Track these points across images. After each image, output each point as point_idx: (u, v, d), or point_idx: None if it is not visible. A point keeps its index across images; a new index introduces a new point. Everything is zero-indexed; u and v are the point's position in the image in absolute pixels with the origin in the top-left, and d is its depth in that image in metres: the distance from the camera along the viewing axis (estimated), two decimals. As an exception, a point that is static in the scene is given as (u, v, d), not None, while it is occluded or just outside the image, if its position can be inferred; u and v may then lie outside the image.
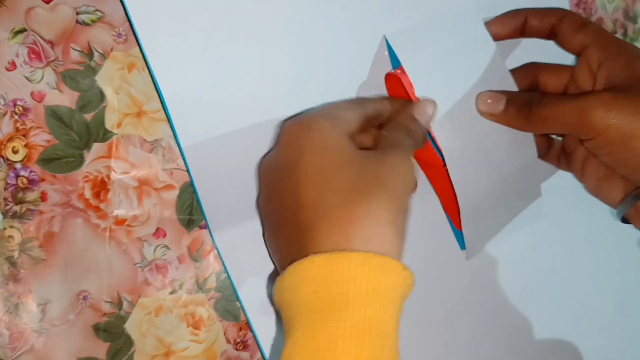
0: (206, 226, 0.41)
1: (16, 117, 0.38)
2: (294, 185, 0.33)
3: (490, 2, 0.41)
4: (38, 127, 0.39)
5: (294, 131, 0.35)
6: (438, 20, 0.40)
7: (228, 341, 0.43)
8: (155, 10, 0.37)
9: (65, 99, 0.39)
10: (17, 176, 0.39)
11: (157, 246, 0.41)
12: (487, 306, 0.46)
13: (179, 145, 0.39)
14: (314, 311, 0.29)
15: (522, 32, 0.40)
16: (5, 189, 0.39)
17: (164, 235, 0.41)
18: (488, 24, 0.40)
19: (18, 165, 0.39)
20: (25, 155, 0.39)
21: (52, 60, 0.38)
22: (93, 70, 0.39)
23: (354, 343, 0.28)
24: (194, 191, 0.40)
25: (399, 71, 0.39)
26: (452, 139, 0.38)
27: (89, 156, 0.40)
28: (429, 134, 0.39)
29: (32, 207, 0.39)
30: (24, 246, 0.39)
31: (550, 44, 0.40)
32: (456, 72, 0.39)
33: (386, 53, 0.41)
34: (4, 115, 0.38)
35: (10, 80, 0.38)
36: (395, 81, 0.39)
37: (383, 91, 0.42)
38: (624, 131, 0.34)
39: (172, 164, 0.41)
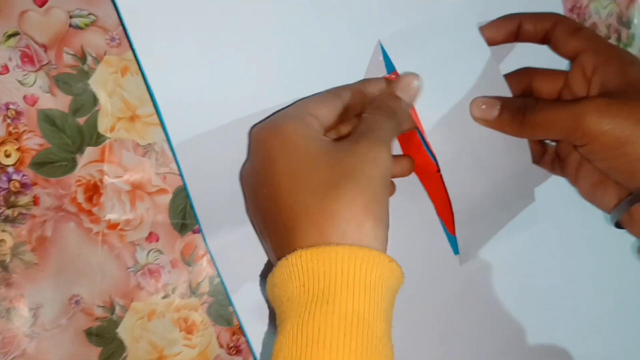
0: (199, 230, 0.41)
1: (9, 120, 0.38)
2: (269, 190, 0.34)
3: (485, 7, 0.41)
4: (31, 131, 0.38)
5: (262, 137, 0.35)
6: (433, 25, 0.41)
7: (221, 346, 0.43)
8: (149, 14, 0.37)
9: (58, 102, 0.39)
10: (10, 180, 0.39)
11: (150, 250, 0.41)
12: (481, 311, 0.46)
13: (172, 149, 0.39)
14: (302, 304, 0.29)
15: (517, 36, 0.40)
16: (-3, 192, 0.39)
17: (157, 240, 0.41)
18: (483, 28, 0.40)
19: (10, 169, 0.38)
20: (18, 159, 0.39)
21: (45, 64, 0.38)
22: (86, 74, 0.39)
23: (342, 334, 0.28)
24: (187, 195, 0.40)
25: (393, 76, 0.39)
26: (446, 145, 0.38)
27: (81, 160, 0.39)
28: (423, 139, 0.39)
29: (24, 211, 0.39)
30: (16, 250, 0.39)
31: (545, 48, 0.40)
32: (450, 77, 0.39)
33: (381, 58, 0.41)
34: (-4, 118, 0.38)
35: (3, 84, 0.38)
36: (390, 86, 0.39)
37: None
38: (618, 137, 0.34)
39: (165, 168, 0.41)
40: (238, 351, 0.43)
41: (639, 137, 0.34)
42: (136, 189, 0.40)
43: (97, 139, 0.39)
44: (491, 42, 0.40)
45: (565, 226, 0.48)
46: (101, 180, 0.40)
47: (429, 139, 0.38)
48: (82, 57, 0.39)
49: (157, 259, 0.41)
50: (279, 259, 0.32)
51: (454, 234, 0.41)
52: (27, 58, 0.38)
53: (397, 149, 0.44)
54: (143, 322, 0.41)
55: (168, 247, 0.41)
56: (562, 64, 0.41)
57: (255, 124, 0.38)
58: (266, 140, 0.35)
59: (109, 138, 0.40)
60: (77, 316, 0.40)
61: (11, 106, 0.38)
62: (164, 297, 0.41)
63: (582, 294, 0.48)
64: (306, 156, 0.33)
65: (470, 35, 0.40)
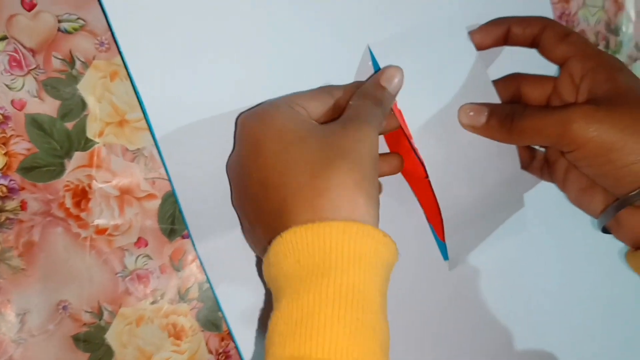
0: (188, 236, 0.41)
1: (-4, 125, 0.38)
2: (258, 173, 0.34)
3: (475, 13, 0.42)
4: (18, 136, 0.38)
5: (249, 123, 0.35)
6: (421, 30, 0.41)
7: (210, 351, 0.43)
8: (137, 19, 0.37)
9: (46, 107, 0.38)
10: (-3, 185, 0.38)
11: (138, 256, 0.41)
12: (471, 316, 0.46)
13: (160, 154, 0.39)
14: (297, 280, 0.29)
15: (506, 40, 0.41)
16: (-16, 197, 0.38)
17: (146, 245, 0.41)
18: (472, 33, 0.41)
19: (-3, 174, 0.38)
20: (5, 164, 0.38)
21: (33, 69, 0.38)
22: (75, 79, 0.39)
23: (337, 307, 0.28)
24: (176, 201, 0.40)
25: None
26: (434, 150, 0.38)
27: (69, 165, 0.39)
28: (412, 145, 0.39)
29: (11, 216, 0.39)
30: (3, 255, 0.39)
31: (536, 53, 0.41)
32: (439, 83, 0.39)
33: (370, 63, 0.41)
34: (-16, 123, 0.38)
35: (-9, 88, 0.38)
36: (379, 92, 0.39)
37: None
38: (604, 144, 0.34)
39: (154, 173, 0.41)
40: (227, 357, 0.43)
41: (625, 144, 0.34)
42: (125, 194, 0.40)
43: (85, 143, 0.39)
44: (480, 46, 0.40)
45: (554, 231, 0.48)
46: (89, 185, 0.40)
47: (417, 144, 0.38)
48: (71, 62, 0.39)
49: (146, 264, 0.41)
50: (269, 242, 0.32)
51: (444, 239, 0.41)
52: (15, 62, 0.38)
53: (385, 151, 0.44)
54: (131, 328, 0.41)
55: (157, 253, 0.41)
56: (551, 68, 0.41)
57: (242, 113, 0.37)
58: (253, 125, 0.35)
59: (98, 143, 0.40)
60: (65, 322, 0.40)
61: (-1, 110, 0.38)
62: (153, 303, 0.41)
63: (571, 298, 0.49)
64: (294, 137, 0.33)
65: (459, 41, 0.40)
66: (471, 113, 0.38)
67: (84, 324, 0.40)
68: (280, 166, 0.33)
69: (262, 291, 0.42)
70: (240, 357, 0.42)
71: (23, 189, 0.39)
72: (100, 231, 0.40)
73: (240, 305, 0.42)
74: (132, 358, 0.41)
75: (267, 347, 0.29)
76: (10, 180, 0.38)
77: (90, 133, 0.39)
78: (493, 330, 0.47)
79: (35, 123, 0.38)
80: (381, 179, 0.42)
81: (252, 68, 0.39)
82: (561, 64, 0.39)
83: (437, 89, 0.39)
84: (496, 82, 0.41)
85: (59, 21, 0.38)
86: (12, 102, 0.38)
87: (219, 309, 0.42)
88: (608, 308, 0.49)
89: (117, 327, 0.41)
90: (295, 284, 0.29)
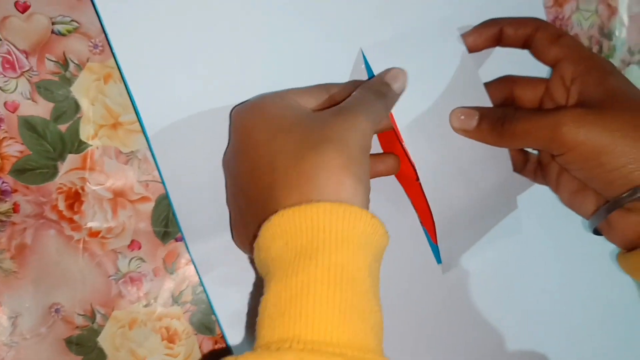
0: (182, 239, 0.41)
1: (-11, 127, 0.38)
2: (248, 162, 0.34)
3: (467, 16, 0.42)
4: (11, 138, 0.38)
5: (240, 114, 0.35)
6: (414, 33, 0.41)
7: (203, 355, 0.42)
8: (131, 21, 0.37)
9: (40, 109, 0.38)
10: (-10, 187, 0.38)
11: (131, 258, 0.41)
12: (465, 318, 0.46)
13: (154, 157, 0.39)
14: (286, 262, 0.29)
15: (498, 41, 0.41)
16: (-23, 200, 0.38)
17: (139, 248, 0.41)
18: (465, 35, 0.41)
19: (-10, 176, 0.38)
20: (-2, 166, 0.38)
21: (27, 71, 0.38)
22: (68, 81, 0.39)
23: (325, 287, 0.28)
24: (170, 203, 0.40)
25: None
26: (426, 153, 0.38)
27: (63, 167, 0.39)
28: (404, 148, 0.39)
29: (3, 219, 0.38)
30: (-5, 258, 0.38)
31: (527, 54, 0.41)
32: (431, 86, 0.39)
33: (363, 66, 0.41)
34: (-23, 125, 0.38)
35: (-16, 90, 0.38)
36: (372, 95, 0.39)
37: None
38: (594, 147, 0.34)
39: (147, 175, 0.41)
40: (220, 360, 0.43)
41: (615, 147, 0.34)
42: (118, 197, 0.40)
43: (78, 146, 0.39)
44: (473, 48, 0.41)
45: (548, 233, 0.48)
46: (83, 188, 0.40)
47: (408, 147, 0.38)
48: (64, 64, 0.39)
49: (139, 267, 0.41)
50: (257, 229, 0.32)
51: (437, 242, 0.41)
52: (8, 64, 0.38)
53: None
54: (124, 331, 0.41)
55: (150, 255, 0.41)
56: (544, 69, 0.41)
57: (235, 106, 0.38)
58: (243, 116, 0.35)
59: (91, 145, 0.39)
60: (57, 325, 0.40)
61: (-9, 113, 0.38)
62: (146, 306, 0.41)
63: (564, 300, 0.49)
64: (283, 123, 0.33)
65: (451, 44, 0.40)
66: (462, 117, 0.38)
67: (77, 327, 0.40)
68: (269, 153, 0.33)
69: (256, 294, 0.42)
70: (233, 361, 0.42)
71: (16, 191, 0.39)
72: (94, 234, 0.40)
73: (234, 309, 0.41)
74: (124, 361, 0.41)
75: (257, 331, 0.29)
76: (3, 182, 0.38)
77: (83, 135, 0.39)
78: (488, 333, 0.47)
79: (29, 125, 0.38)
80: (375, 181, 0.42)
81: (245, 71, 0.39)
82: (553, 66, 0.40)
83: (429, 92, 0.39)
84: (488, 85, 0.41)
85: (53, 23, 0.38)
86: (5, 104, 0.38)
87: (213, 312, 0.41)
88: (601, 309, 0.49)
89: (110, 330, 0.40)
90: (284, 266, 0.29)
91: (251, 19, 0.39)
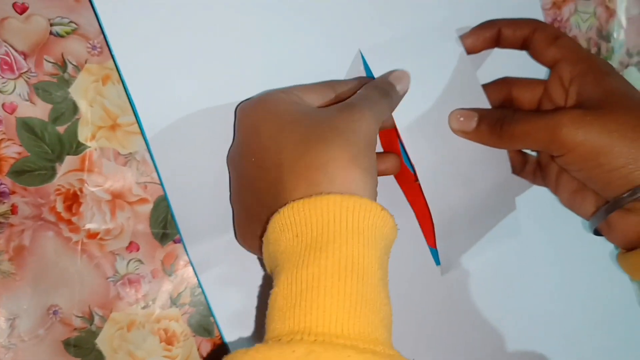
0: (180, 240, 0.41)
1: (-13, 128, 0.38)
2: (255, 156, 0.34)
3: (465, 19, 0.42)
4: (9, 139, 0.38)
5: (246, 111, 0.35)
6: (413, 35, 0.41)
7: (202, 357, 0.42)
8: (130, 23, 0.37)
9: (38, 111, 0.38)
10: (-12, 188, 0.38)
11: (130, 260, 0.41)
12: (464, 319, 0.46)
13: (152, 158, 0.39)
14: (296, 254, 0.29)
15: (497, 42, 0.41)
16: (-25, 201, 0.38)
17: (137, 249, 0.41)
18: (463, 36, 0.41)
19: (-12, 178, 0.38)
20: (-4, 168, 0.38)
21: (25, 72, 0.38)
22: (67, 83, 0.39)
23: (336, 279, 0.28)
24: (168, 205, 0.40)
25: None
26: (425, 155, 0.38)
27: (61, 169, 0.39)
28: (403, 149, 0.39)
29: (1, 220, 0.38)
30: (-7, 260, 0.38)
31: (525, 56, 0.41)
32: (430, 88, 0.39)
33: (361, 67, 0.41)
34: (-25, 126, 0.38)
35: (-18, 91, 0.38)
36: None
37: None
38: (593, 148, 0.34)
39: (146, 177, 0.40)
40: (218, 362, 0.43)
41: (613, 148, 0.34)
42: (116, 198, 0.40)
43: (77, 147, 0.39)
44: (472, 50, 0.41)
45: (546, 234, 0.48)
46: (81, 190, 0.40)
47: (407, 148, 0.38)
48: (63, 65, 0.39)
49: (138, 268, 0.41)
50: (265, 224, 0.31)
51: (434, 246, 0.41)
52: (7, 65, 0.38)
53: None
54: (122, 333, 0.41)
55: (148, 257, 0.41)
56: (542, 70, 0.41)
57: (240, 102, 0.38)
58: (250, 111, 0.35)
59: (89, 147, 0.39)
60: (55, 326, 0.40)
61: (-10, 114, 0.38)
62: (144, 308, 0.41)
63: (564, 301, 0.49)
64: (290, 117, 0.33)
65: (449, 46, 0.40)
66: (461, 118, 0.38)
67: (75, 329, 0.40)
68: (276, 146, 0.32)
69: (255, 296, 0.42)
70: (231, 362, 0.42)
71: (14, 192, 0.39)
72: (92, 235, 0.40)
73: (232, 310, 0.41)
74: (123, 363, 0.41)
75: (267, 324, 0.29)
76: (1, 184, 0.38)
77: (82, 137, 0.39)
78: (487, 334, 0.47)
79: (27, 127, 0.38)
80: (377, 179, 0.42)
81: (244, 73, 0.39)
82: (551, 67, 0.40)
83: (428, 93, 0.39)
84: (487, 86, 0.41)
85: (51, 24, 0.38)
86: (3, 105, 0.38)
87: (211, 314, 0.41)
88: (600, 310, 0.49)
89: (108, 332, 0.40)
90: (294, 258, 0.29)
91: (250, 20, 0.39)
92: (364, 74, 0.41)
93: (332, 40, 0.41)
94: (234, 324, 0.41)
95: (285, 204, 0.30)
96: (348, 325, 0.27)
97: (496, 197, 0.42)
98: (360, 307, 0.28)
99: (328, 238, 0.29)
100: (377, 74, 0.38)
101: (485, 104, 0.40)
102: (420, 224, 0.44)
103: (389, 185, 0.44)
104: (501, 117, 0.37)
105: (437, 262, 0.44)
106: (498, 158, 0.40)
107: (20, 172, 0.38)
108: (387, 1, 0.41)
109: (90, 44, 0.39)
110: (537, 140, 0.36)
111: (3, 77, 0.38)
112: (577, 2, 0.49)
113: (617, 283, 0.49)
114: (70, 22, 0.39)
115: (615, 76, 0.37)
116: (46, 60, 0.38)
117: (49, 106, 0.39)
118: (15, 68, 0.38)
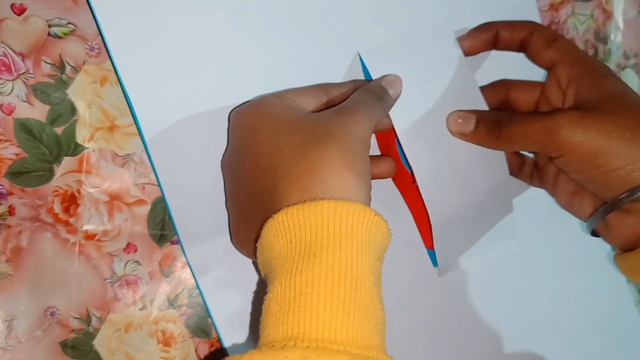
0: (178, 242, 0.41)
1: (-15, 129, 0.38)
2: (251, 160, 0.34)
3: (463, 21, 0.42)
4: (7, 140, 0.38)
5: (240, 116, 0.36)
6: (411, 37, 0.41)
7: (199, 358, 0.42)
8: (127, 24, 0.37)
9: (36, 112, 0.38)
10: (-15, 190, 0.38)
11: (127, 261, 0.41)
12: (462, 321, 0.46)
13: (150, 160, 0.39)
14: (290, 260, 0.29)
15: (494, 44, 0.41)
16: (-28, 202, 0.38)
17: (135, 251, 0.41)
18: (461, 38, 0.41)
19: (-14, 179, 0.38)
20: (-6, 169, 0.38)
21: (23, 73, 0.38)
22: (64, 84, 0.39)
23: (330, 285, 0.28)
24: (166, 206, 0.40)
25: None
26: (423, 157, 0.38)
27: (59, 170, 0.39)
28: (401, 150, 0.39)
29: (-1, 221, 0.38)
30: (-9, 261, 0.38)
31: (523, 58, 0.41)
32: (428, 90, 0.39)
33: (359, 69, 0.41)
34: (-28, 127, 0.38)
35: (-20, 92, 0.38)
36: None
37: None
38: (591, 149, 0.34)
39: (144, 178, 0.40)
40: (216, 364, 0.43)
41: (611, 149, 0.34)
42: (114, 200, 0.40)
43: (75, 149, 0.39)
44: (470, 51, 0.41)
45: (543, 235, 0.48)
46: (79, 191, 0.39)
47: (405, 150, 0.38)
48: (61, 67, 0.39)
49: (135, 270, 0.41)
50: (260, 228, 0.31)
51: (431, 247, 0.41)
52: (5, 66, 0.38)
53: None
54: (120, 334, 0.41)
55: (146, 258, 0.41)
56: (540, 72, 0.41)
57: (234, 108, 0.38)
58: (245, 116, 0.35)
59: (87, 148, 0.39)
60: (53, 328, 0.39)
61: (-13, 115, 0.38)
62: (142, 309, 0.41)
63: (561, 302, 0.49)
64: (284, 122, 0.33)
65: (447, 48, 0.40)
66: (459, 120, 0.38)
67: (72, 330, 0.40)
68: (272, 150, 0.33)
69: (252, 297, 0.42)
70: (229, 364, 0.42)
71: (11, 194, 0.38)
72: (89, 237, 0.40)
73: (230, 312, 0.41)
74: (120, 365, 0.41)
75: (260, 330, 0.29)
76: (-1, 185, 0.38)
77: (79, 138, 0.39)
78: (485, 335, 0.47)
79: (24, 128, 0.38)
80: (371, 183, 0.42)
81: (242, 74, 0.39)
82: (549, 69, 0.40)
83: (426, 95, 0.39)
84: (484, 88, 0.41)
85: (49, 26, 0.38)
86: (1, 106, 0.38)
87: (209, 315, 0.41)
88: (598, 311, 0.50)
89: (106, 334, 0.40)
90: (287, 264, 0.29)
91: (248, 22, 0.39)
92: (362, 76, 0.41)
93: (330, 42, 0.41)
94: (232, 326, 0.41)
95: (279, 209, 0.30)
96: (341, 331, 0.27)
97: (494, 198, 0.42)
98: (353, 312, 0.28)
99: (322, 244, 0.29)
100: (375, 76, 0.39)
101: (483, 106, 0.40)
102: (417, 226, 0.44)
103: (386, 186, 0.44)
104: (499, 118, 0.37)
105: (435, 264, 0.44)
106: (496, 160, 0.40)
107: (17, 174, 0.38)
108: (385, 3, 0.41)
109: (88, 45, 0.39)
110: (535, 142, 0.36)
111: (1, 78, 0.38)
112: (575, 5, 0.49)
113: (614, 284, 0.49)
114: (69, 23, 0.39)
115: (613, 78, 0.37)
116: (44, 61, 0.38)
117: (47, 107, 0.39)
118: (13, 69, 0.38)
